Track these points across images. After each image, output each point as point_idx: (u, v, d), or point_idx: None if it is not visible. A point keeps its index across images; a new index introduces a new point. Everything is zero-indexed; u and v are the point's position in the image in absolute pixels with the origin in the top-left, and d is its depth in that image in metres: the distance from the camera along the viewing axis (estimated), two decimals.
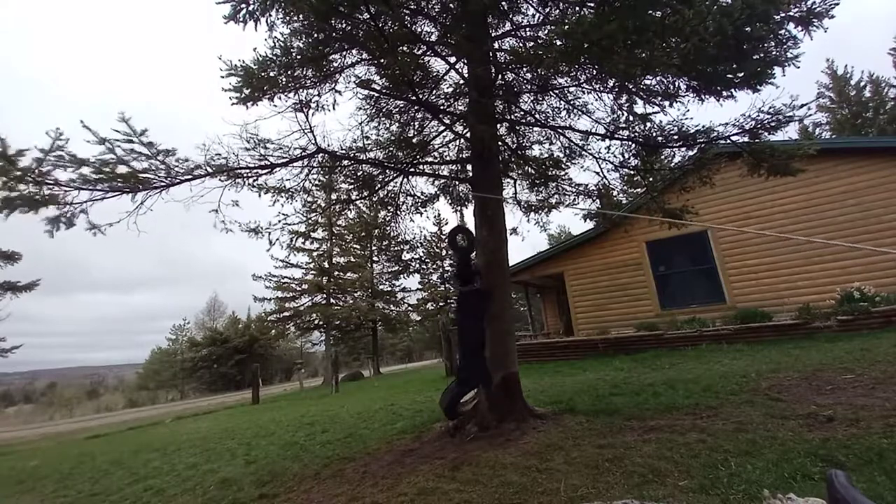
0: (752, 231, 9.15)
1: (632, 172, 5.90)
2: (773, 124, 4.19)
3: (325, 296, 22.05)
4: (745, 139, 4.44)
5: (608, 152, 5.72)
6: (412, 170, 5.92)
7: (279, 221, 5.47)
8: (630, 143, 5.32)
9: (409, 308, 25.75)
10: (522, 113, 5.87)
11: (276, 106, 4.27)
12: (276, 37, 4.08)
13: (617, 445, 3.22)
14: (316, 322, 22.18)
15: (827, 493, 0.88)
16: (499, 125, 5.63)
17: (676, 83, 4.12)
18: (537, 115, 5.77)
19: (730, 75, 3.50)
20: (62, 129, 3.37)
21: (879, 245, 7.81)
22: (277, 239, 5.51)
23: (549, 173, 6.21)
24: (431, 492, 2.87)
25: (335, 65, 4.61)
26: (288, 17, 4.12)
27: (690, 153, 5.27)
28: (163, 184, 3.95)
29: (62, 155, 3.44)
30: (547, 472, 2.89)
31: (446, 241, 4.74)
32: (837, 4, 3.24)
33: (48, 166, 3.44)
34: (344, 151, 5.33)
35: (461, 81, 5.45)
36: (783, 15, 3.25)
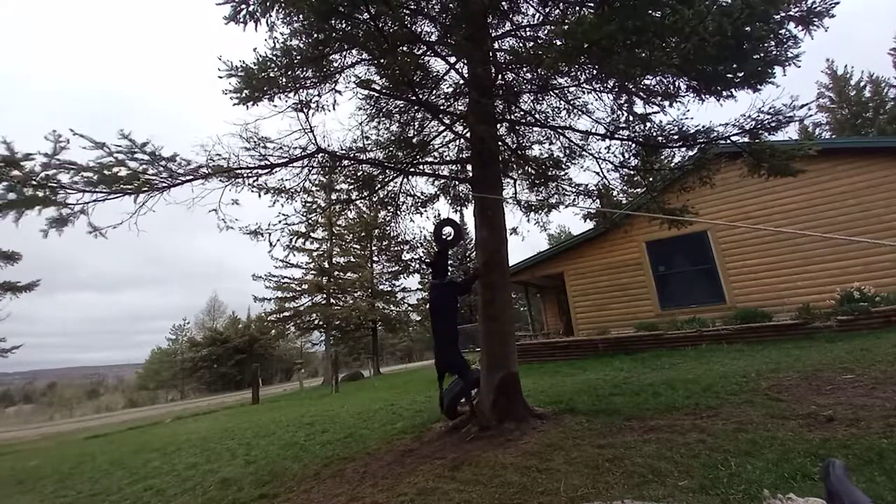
0: (744, 226, 9.10)
1: (632, 172, 5.90)
2: (773, 124, 4.19)
3: (325, 296, 22.04)
4: (745, 139, 4.44)
5: (608, 152, 5.72)
6: (412, 170, 5.91)
7: (279, 222, 5.46)
8: (630, 143, 5.32)
9: (409, 308, 25.76)
10: (522, 113, 5.87)
11: (276, 106, 4.27)
12: (276, 37, 4.09)
13: (617, 445, 3.22)
14: (316, 322, 22.18)
15: (823, 483, 0.87)
16: (499, 125, 5.63)
17: (676, 83, 4.11)
18: (537, 115, 5.77)
19: (730, 75, 3.50)
20: (61, 134, 3.37)
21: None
22: (278, 240, 5.50)
23: (549, 173, 6.20)
24: (431, 492, 2.87)
25: (335, 65, 4.61)
26: (288, 18, 4.12)
27: (690, 153, 5.27)
28: (164, 185, 3.95)
29: (65, 161, 3.45)
30: (547, 472, 2.89)
31: (433, 231, 4.78)
32: (838, 3, 3.24)
33: (52, 170, 3.45)
34: (344, 151, 5.33)
35: (461, 81, 5.45)
36: (783, 14, 3.25)
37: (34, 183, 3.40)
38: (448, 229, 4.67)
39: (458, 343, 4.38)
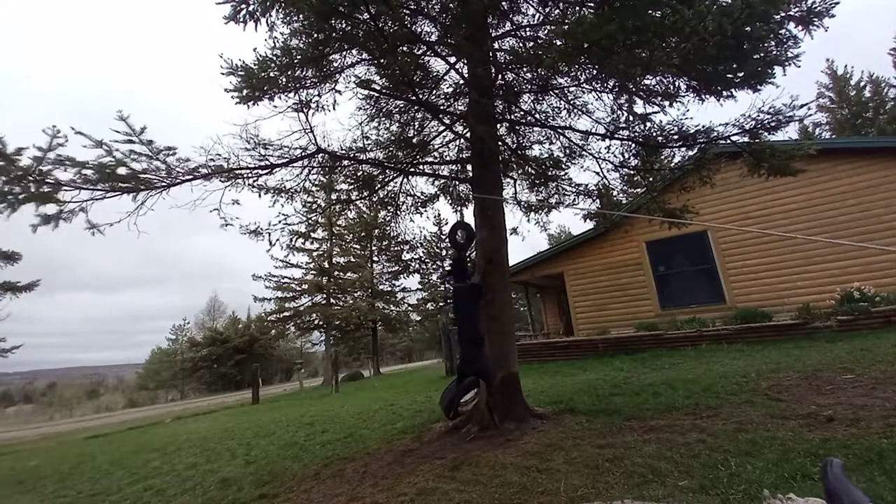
0: (733, 227, 9.09)
1: (632, 172, 5.90)
2: (773, 124, 4.19)
3: (325, 296, 22.04)
4: (745, 139, 4.44)
5: (608, 152, 5.72)
6: (412, 170, 5.92)
7: (279, 222, 5.46)
8: (630, 143, 5.32)
9: (409, 308, 25.74)
10: (522, 113, 5.87)
11: (276, 106, 4.27)
12: (276, 37, 4.10)
13: (617, 445, 3.22)
14: (316, 322, 22.18)
15: (822, 483, 0.87)
16: (499, 125, 5.63)
17: (676, 83, 4.11)
18: (537, 115, 5.77)
19: (730, 75, 3.50)
20: (59, 129, 3.36)
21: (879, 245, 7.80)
22: (278, 240, 5.50)
23: (549, 173, 6.21)
24: (431, 492, 2.87)
25: (335, 65, 4.61)
26: (288, 18, 4.12)
27: (690, 153, 5.27)
28: (163, 184, 3.95)
29: (61, 157, 3.44)
30: (547, 472, 2.89)
31: (447, 236, 4.84)
32: (838, 3, 3.24)
33: (48, 166, 3.44)
34: (344, 151, 5.33)
35: (461, 81, 5.45)
36: (783, 14, 3.25)
37: (31, 179, 3.39)
38: (461, 233, 4.69)
39: (481, 343, 4.29)
